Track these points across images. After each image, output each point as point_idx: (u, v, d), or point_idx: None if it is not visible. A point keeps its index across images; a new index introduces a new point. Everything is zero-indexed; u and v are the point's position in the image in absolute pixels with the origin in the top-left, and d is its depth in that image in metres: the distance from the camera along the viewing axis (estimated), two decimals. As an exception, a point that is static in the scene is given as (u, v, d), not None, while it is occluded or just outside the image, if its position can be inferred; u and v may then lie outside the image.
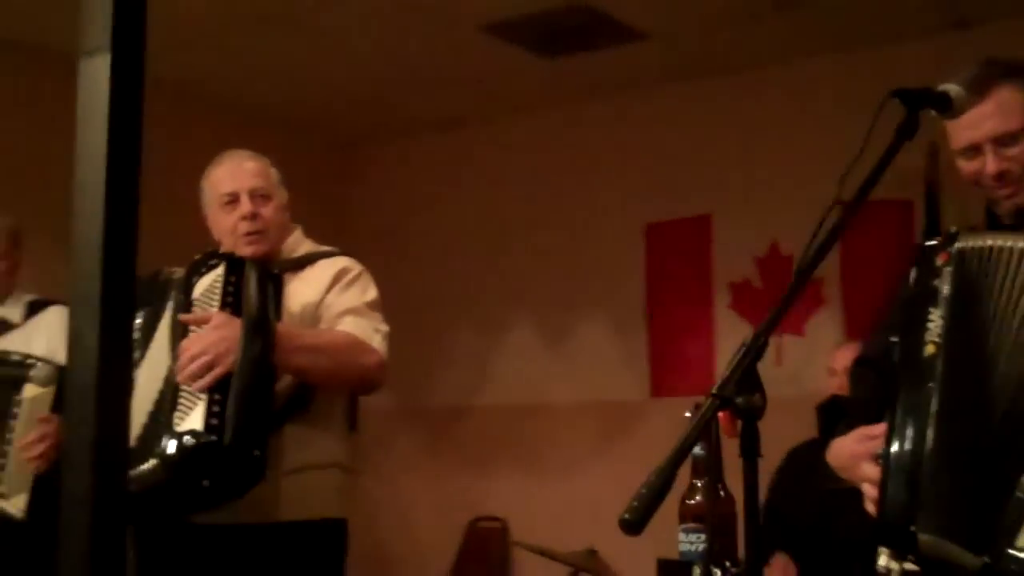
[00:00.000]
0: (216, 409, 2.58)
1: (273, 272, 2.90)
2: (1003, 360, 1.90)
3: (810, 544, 3.86)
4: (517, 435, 6.72)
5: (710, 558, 1.59)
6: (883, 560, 1.92)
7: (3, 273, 3.65)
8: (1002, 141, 2.14)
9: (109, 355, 1.14)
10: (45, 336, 3.36)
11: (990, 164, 2.14)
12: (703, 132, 6.26)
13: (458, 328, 7.23)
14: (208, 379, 2.62)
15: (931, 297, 1.97)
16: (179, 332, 2.76)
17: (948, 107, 1.94)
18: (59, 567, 1.09)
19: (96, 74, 1.15)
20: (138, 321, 2.86)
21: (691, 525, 1.67)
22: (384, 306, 7.74)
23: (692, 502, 1.68)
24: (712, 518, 1.61)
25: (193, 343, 2.67)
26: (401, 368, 7.33)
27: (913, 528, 1.84)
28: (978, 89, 2.10)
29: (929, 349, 1.93)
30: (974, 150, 2.17)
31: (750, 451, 1.48)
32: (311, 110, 6.99)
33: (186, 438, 2.53)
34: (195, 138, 6.51)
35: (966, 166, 2.20)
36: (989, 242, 1.98)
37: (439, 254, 7.36)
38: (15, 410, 3.10)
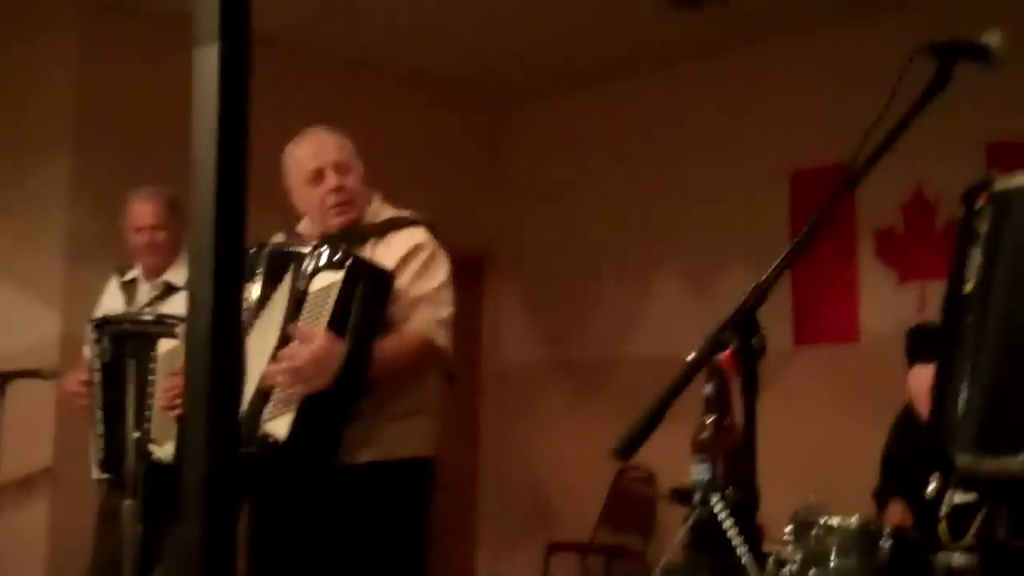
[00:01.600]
0: (301, 424, 2.91)
1: (387, 277, 3.09)
2: None
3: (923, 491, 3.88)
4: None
5: (711, 485, 1.71)
6: (931, 488, 2.02)
7: (165, 240, 3.92)
8: None
9: (221, 309, 1.29)
10: None
11: None
12: (847, 78, 6.19)
13: (606, 280, 7.36)
14: (296, 392, 2.91)
15: (971, 237, 2.06)
16: (290, 316, 3.01)
17: (987, 58, 1.98)
18: (181, 493, 1.23)
19: (207, 63, 1.27)
20: (257, 288, 3.10)
21: (700, 456, 1.79)
22: (534, 260, 7.90)
23: (702, 436, 1.80)
24: (715, 450, 1.72)
25: (294, 356, 2.91)
26: (551, 321, 7.59)
27: (950, 448, 1.95)
28: None
29: (969, 287, 2.03)
30: None
31: (749, 389, 1.59)
32: (463, 69, 7.20)
33: (268, 439, 2.91)
34: (351, 104, 6.82)
35: None
36: (1019, 182, 2.04)
37: (587, 207, 7.48)
38: (152, 365, 3.38)
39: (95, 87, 6.01)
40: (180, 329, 3.40)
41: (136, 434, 3.31)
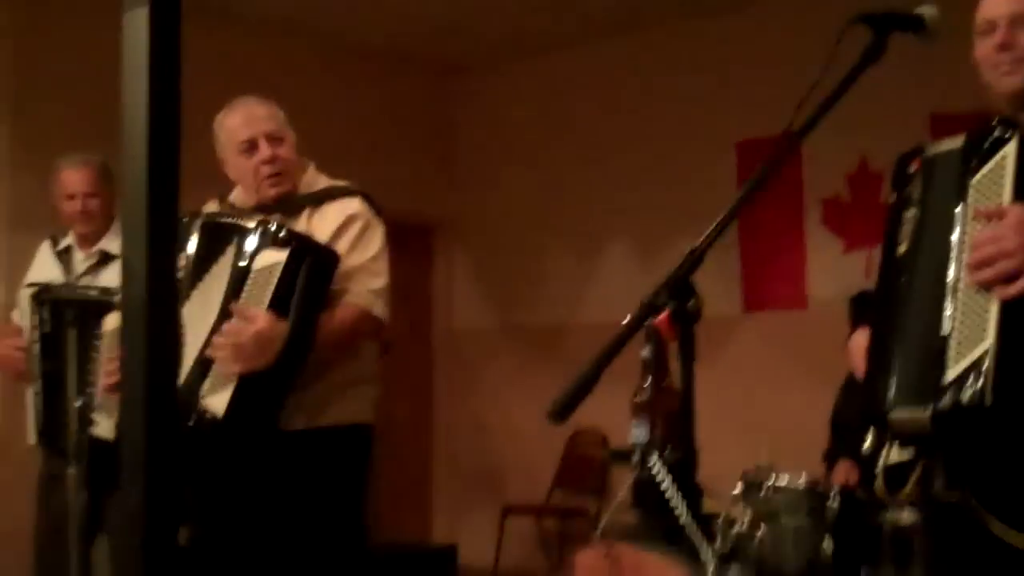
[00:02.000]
0: (240, 400, 2.92)
1: (331, 258, 3.08)
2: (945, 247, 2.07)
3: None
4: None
5: (649, 445, 1.73)
6: (867, 445, 2.08)
7: (98, 207, 3.88)
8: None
9: (156, 278, 1.27)
10: None
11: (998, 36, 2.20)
12: (792, 49, 6.22)
13: (556, 248, 7.39)
14: (235, 369, 2.92)
15: (905, 201, 2.12)
16: (231, 292, 3.00)
17: (922, 28, 2.01)
18: (122, 463, 1.23)
19: (137, 26, 1.26)
20: (187, 256, 3.10)
21: (638, 418, 1.81)
22: (484, 227, 7.91)
23: (639, 398, 1.82)
24: (653, 412, 1.75)
25: (236, 334, 2.91)
26: (501, 288, 7.61)
27: (884, 409, 2.00)
28: None
29: (901, 249, 2.09)
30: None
31: (686, 352, 1.61)
32: (413, 39, 7.17)
33: (206, 415, 2.92)
34: (302, 73, 6.76)
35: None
36: (946, 147, 2.13)
37: (536, 175, 7.49)
38: (96, 342, 3.35)
39: (34, 52, 5.93)
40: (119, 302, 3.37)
41: (78, 403, 3.28)
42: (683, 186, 6.62)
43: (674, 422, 1.69)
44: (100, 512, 3.53)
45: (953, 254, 2.04)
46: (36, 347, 3.61)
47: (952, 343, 1.97)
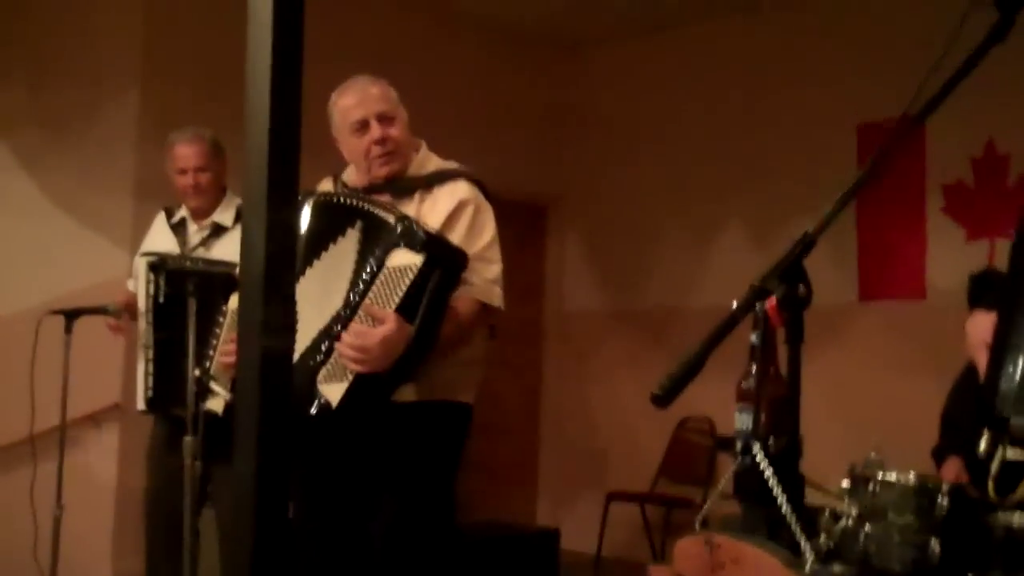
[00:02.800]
0: (355, 395, 2.95)
1: (462, 266, 3.08)
2: None
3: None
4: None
5: (753, 433, 1.70)
6: (983, 445, 2.01)
7: (209, 182, 3.98)
8: None
9: (273, 256, 1.29)
10: None
11: None
12: (917, 29, 6.07)
13: (670, 230, 7.33)
14: (357, 369, 2.95)
15: None
16: (359, 289, 3.01)
17: None
18: (235, 433, 1.25)
19: (262, 5, 1.28)
20: (302, 230, 3.14)
21: (743, 405, 1.78)
22: (597, 209, 7.87)
23: (745, 385, 1.78)
24: (758, 399, 1.71)
25: (362, 336, 2.93)
26: (613, 271, 7.57)
27: (1007, 413, 1.93)
28: None
29: None
30: None
31: (794, 338, 1.58)
32: (533, 15, 7.16)
33: (320, 401, 2.96)
34: (420, 47, 6.82)
35: None
36: None
37: (652, 158, 7.44)
38: (220, 319, 3.38)
39: (163, 24, 6.04)
40: None
41: (196, 372, 3.35)
42: (801, 170, 6.51)
43: (780, 410, 1.67)
44: (207, 483, 3.63)
45: None
46: (150, 315, 3.71)
47: None
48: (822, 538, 3.30)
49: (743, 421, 1.78)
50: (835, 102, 6.41)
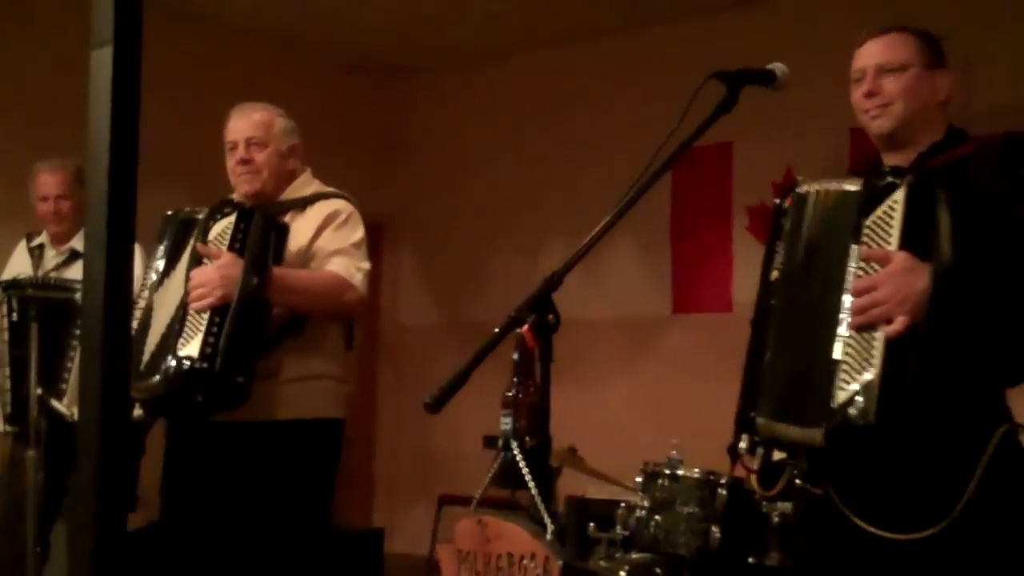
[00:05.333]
0: (212, 339, 3.14)
1: (279, 223, 3.36)
2: (817, 276, 2.33)
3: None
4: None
5: (512, 434, 2.03)
6: (743, 444, 2.37)
7: (70, 209, 4.14)
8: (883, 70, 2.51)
9: (113, 280, 1.43)
10: None
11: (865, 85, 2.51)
12: (730, 62, 6.51)
13: (499, 247, 7.68)
14: (203, 304, 3.16)
15: (779, 232, 2.40)
16: (195, 265, 3.28)
17: (772, 82, 2.32)
18: (78, 454, 1.37)
19: (102, 64, 1.41)
20: (162, 248, 3.38)
21: (506, 411, 2.10)
22: (430, 228, 8.03)
23: (509, 394, 2.11)
24: (517, 406, 2.04)
25: (198, 276, 3.21)
26: (446, 286, 7.86)
27: (752, 413, 2.29)
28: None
29: (775, 274, 2.37)
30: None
31: (544, 356, 1.92)
32: (364, 45, 7.47)
33: (184, 362, 3.11)
34: (262, 74, 7.00)
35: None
36: (816, 187, 2.39)
37: (481, 178, 7.80)
38: (76, 331, 3.62)
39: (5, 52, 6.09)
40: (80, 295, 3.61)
41: (39, 390, 3.54)
42: (617, 189, 6.87)
43: (535, 415, 1.99)
44: (60, 496, 3.77)
45: (843, 286, 2.25)
46: (5, 336, 3.85)
47: (841, 368, 2.20)
48: (617, 529, 3.66)
49: (506, 423, 2.10)
50: (651, 129, 6.80)
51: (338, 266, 3.40)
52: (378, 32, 7.22)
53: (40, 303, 3.71)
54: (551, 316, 1.98)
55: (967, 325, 2.20)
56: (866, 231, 2.26)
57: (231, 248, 3.23)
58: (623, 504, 3.67)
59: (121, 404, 1.41)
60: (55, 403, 3.49)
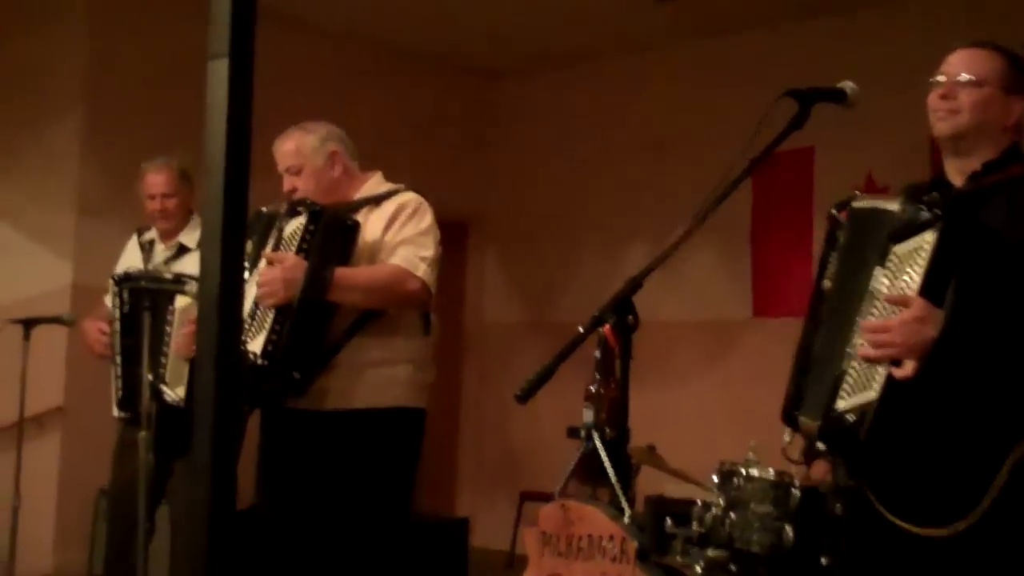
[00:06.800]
0: (274, 338, 3.40)
1: (347, 223, 3.54)
2: (851, 290, 2.45)
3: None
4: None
5: (594, 426, 2.17)
6: (785, 441, 2.49)
7: (176, 206, 4.32)
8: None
9: (227, 274, 1.54)
10: None
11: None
12: (811, 71, 6.57)
13: (584, 247, 7.81)
14: (268, 303, 3.41)
15: (833, 244, 2.50)
16: (267, 264, 3.51)
17: (843, 100, 2.42)
18: (194, 426, 1.48)
19: (219, 75, 1.52)
20: (250, 244, 3.57)
21: (588, 404, 2.25)
22: (516, 227, 8.16)
23: (591, 388, 2.26)
24: (598, 400, 2.19)
25: (266, 276, 3.43)
26: (530, 285, 7.99)
27: (796, 412, 2.41)
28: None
29: (827, 284, 2.48)
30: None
31: (624, 355, 2.05)
32: (454, 45, 7.64)
33: (249, 356, 3.37)
34: (358, 77, 7.22)
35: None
36: (872, 204, 2.50)
37: (568, 178, 7.93)
38: (170, 317, 3.87)
39: (105, 51, 6.32)
40: (191, 287, 3.85)
41: (150, 376, 3.77)
42: (700, 193, 6.95)
43: (615, 408, 2.14)
44: (167, 475, 3.98)
45: (863, 304, 2.39)
46: (117, 326, 4.05)
47: (847, 380, 2.36)
48: (693, 526, 3.76)
49: (588, 416, 2.25)
50: (733, 134, 6.87)
51: (401, 257, 3.53)
52: (469, 35, 7.40)
53: (152, 294, 3.93)
54: (631, 317, 2.12)
55: (967, 378, 2.31)
56: (893, 258, 2.36)
57: (299, 250, 3.45)
58: (699, 502, 3.77)
59: (234, 390, 1.47)
60: (165, 388, 3.72)
